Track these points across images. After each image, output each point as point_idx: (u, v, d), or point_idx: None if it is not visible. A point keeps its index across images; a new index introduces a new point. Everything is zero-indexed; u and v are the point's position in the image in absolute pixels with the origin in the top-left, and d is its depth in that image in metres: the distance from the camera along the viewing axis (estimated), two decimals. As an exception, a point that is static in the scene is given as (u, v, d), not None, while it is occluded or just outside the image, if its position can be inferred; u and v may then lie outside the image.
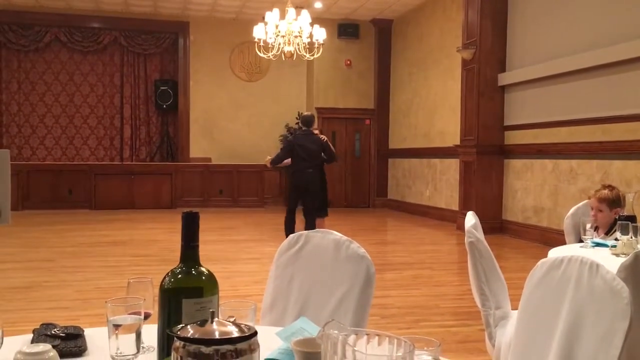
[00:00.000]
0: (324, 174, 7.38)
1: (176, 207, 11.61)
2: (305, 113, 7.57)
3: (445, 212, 10.18)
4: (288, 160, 7.29)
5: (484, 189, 8.51)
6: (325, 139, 7.30)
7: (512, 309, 2.48)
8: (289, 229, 7.03)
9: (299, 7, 8.70)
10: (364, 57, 12.79)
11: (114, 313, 1.21)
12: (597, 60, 6.63)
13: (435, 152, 10.61)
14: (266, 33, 8.40)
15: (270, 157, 7.55)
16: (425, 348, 1.00)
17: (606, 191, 3.30)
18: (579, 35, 7.07)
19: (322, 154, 7.16)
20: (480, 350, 3.43)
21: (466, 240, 2.49)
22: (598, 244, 2.96)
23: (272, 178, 12.55)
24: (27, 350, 1.15)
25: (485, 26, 8.49)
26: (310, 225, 6.89)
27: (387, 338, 0.91)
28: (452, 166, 9.83)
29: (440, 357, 1.03)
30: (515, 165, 8.34)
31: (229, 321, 1.04)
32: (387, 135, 12.81)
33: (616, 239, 2.84)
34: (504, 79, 8.48)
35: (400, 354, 0.89)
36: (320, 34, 8.43)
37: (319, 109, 12.54)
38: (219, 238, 7.92)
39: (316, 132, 7.38)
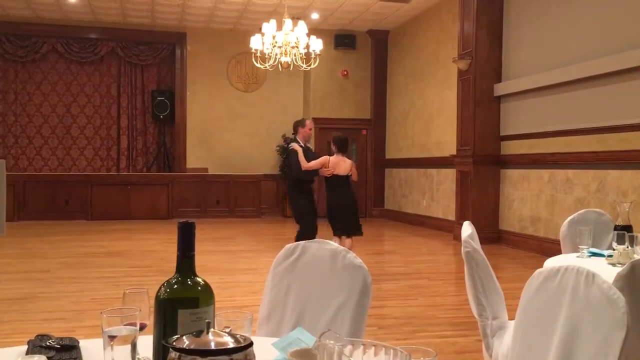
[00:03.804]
0: (296, 187, 6.52)
1: (173, 217, 11.59)
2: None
3: (442, 222, 10.18)
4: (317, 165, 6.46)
5: (480, 199, 8.52)
6: (292, 147, 6.44)
7: (509, 319, 2.47)
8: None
9: (295, 18, 8.74)
10: (361, 68, 12.84)
11: (110, 324, 1.20)
12: (592, 71, 6.67)
13: (432, 162, 10.63)
14: (263, 44, 8.43)
15: None
16: (422, 358, 0.99)
17: None
18: (574, 46, 7.11)
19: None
20: (478, 360, 3.42)
21: (463, 250, 2.49)
22: (594, 254, 2.96)
23: (269, 188, 12.55)
24: (22, 362, 1.14)
25: (481, 37, 8.54)
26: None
27: (383, 348, 0.91)
28: (449, 176, 9.85)
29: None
30: (511, 175, 8.36)
31: (225, 332, 1.04)
32: (383, 145, 12.84)
33: (613, 249, 2.85)
34: (500, 89, 8.51)
35: (396, 364, 0.89)
36: (316, 44, 8.47)
37: (315, 119, 12.55)
38: (215, 248, 7.90)
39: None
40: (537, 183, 7.77)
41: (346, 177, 6.43)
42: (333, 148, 6.49)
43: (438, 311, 4.75)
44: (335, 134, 6.80)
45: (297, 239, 6.16)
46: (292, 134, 6.53)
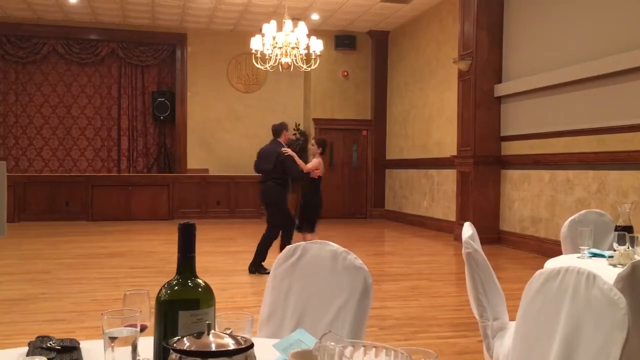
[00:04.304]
0: (286, 188, 6.51)
1: (173, 218, 11.59)
2: (276, 122, 6.89)
3: (442, 222, 10.18)
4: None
5: (481, 200, 8.52)
6: (287, 152, 6.47)
7: (510, 320, 2.47)
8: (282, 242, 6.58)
9: (296, 19, 8.75)
10: (361, 68, 12.84)
11: (110, 325, 1.20)
12: (593, 72, 6.67)
13: (433, 163, 10.63)
14: (263, 44, 8.44)
15: None
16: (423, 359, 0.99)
17: None
18: (574, 47, 7.11)
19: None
20: (479, 361, 3.42)
21: (463, 251, 2.49)
22: (595, 255, 2.96)
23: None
24: (23, 363, 1.14)
25: (481, 37, 8.54)
26: (263, 240, 6.41)
27: (384, 350, 0.91)
28: (450, 177, 9.85)
29: (438, 369, 1.03)
30: (512, 175, 8.36)
31: (226, 333, 1.04)
32: (384, 146, 12.84)
33: (613, 250, 2.85)
34: (500, 89, 8.51)
35: (397, 365, 0.89)
36: (317, 45, 8.47)
37: (316, 120, 12.57)
38: (216, 249, 7.90)
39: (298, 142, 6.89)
40: (538, 184, 7.77)
41: (320, 178, 6.92)
42: (318, 150, 6.88)
43: (439, 312, 4.75)
44: (317, 136, 7.38)
45: (269, 238, 6.43)
46: (274, 136, 6.65)
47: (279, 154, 6.44)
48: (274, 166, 6.44)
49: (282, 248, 6.16)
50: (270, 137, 6.78)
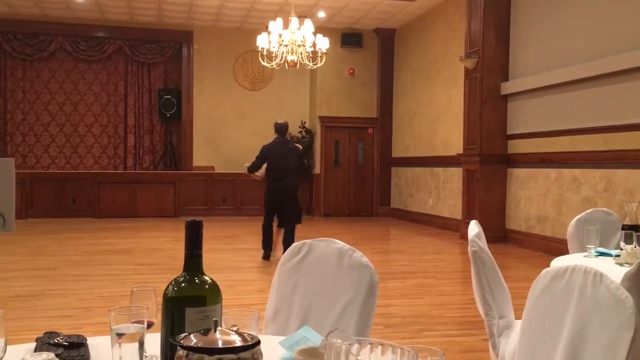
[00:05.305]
0: (297, 184, 6.90)
1: (179, 215, 11.62)
2: (279, 121, 6.94)
3: (448, 221, 10.16)
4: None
5: (487, 198, 8.50)
6: (301, 148, 7.00)
7: (515, 319, 2.47)
8: (266, 243, 6.76)
9: (302, 17, 8.74)
10: (367, 66, 12.83)
11: (117, 322, 1.21)
12: (600, 70, 6.64)
13: (438, 161, 10.61)
14: (270, 42, 8.43)
15: (247, 164, 6.97)
16: (429, 358, 0.99)
17: None
18: (581, 45, 7.08)
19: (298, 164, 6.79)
20: (484, 360, 3.41)
21: (469, 249, 2.49)
22: (602, 254, 2.95)
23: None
24: (31, 359, 1.15)
25: (488, 35, 8.51)
26: (290, 237, 6.55)
27: (390, 347, 0.91)
28: (455, 175, 9.83)
29: (444, 367, 1.03)
30: (518, 174, 8.33)
31: (232, 330, 1.04)
32: (390, 144, 12.82)
33: (620, 249, 2.83)
34: (507, 88, 8.48)
35: (403, 363, 0.89)
36: (323, 43, 8.46)
37: (322, 118, 12.57)
38: (222, 246, 7.92)
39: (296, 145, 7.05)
40: (544, 182, 7.74)
41: None
42: None
43: (444, 310, 4.74)
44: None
45: (292, 237, 6.58)
46: (281, 135, 6.85)
47: (299, 150, 6.57)
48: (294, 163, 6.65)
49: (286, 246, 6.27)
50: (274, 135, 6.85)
